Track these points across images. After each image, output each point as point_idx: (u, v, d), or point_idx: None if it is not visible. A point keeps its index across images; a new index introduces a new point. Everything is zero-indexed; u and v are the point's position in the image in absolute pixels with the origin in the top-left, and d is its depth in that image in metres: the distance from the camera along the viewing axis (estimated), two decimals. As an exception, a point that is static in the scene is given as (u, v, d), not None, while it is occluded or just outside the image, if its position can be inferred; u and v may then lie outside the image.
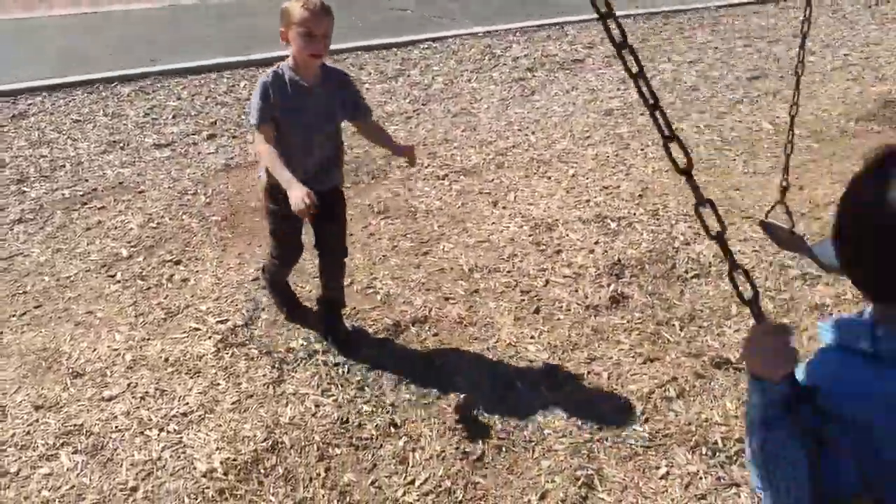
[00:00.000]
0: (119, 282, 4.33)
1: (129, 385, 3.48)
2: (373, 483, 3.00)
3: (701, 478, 2.93)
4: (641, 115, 6.63)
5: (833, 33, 9.17)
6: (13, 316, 4.05)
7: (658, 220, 4.77)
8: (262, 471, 3.02)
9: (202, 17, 10.85)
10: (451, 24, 10.09)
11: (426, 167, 5.66)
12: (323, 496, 2.93)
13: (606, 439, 3.11)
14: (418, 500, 2.91)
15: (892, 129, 6.20)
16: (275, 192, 3.34)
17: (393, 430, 3.22)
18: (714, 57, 8.31)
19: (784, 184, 3.23)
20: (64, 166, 5.91)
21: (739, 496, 2.84)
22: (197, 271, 4.41)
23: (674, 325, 3.82)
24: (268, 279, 3.95)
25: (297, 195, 3.00)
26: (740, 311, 3.91)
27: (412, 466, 3.05)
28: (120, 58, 8.51)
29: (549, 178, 5.43)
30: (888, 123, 6.31)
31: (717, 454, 3.02)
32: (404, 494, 2.94)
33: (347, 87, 3.48)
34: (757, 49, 8.55)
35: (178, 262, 4.50)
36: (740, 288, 1.48)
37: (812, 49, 8.47)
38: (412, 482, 2.99)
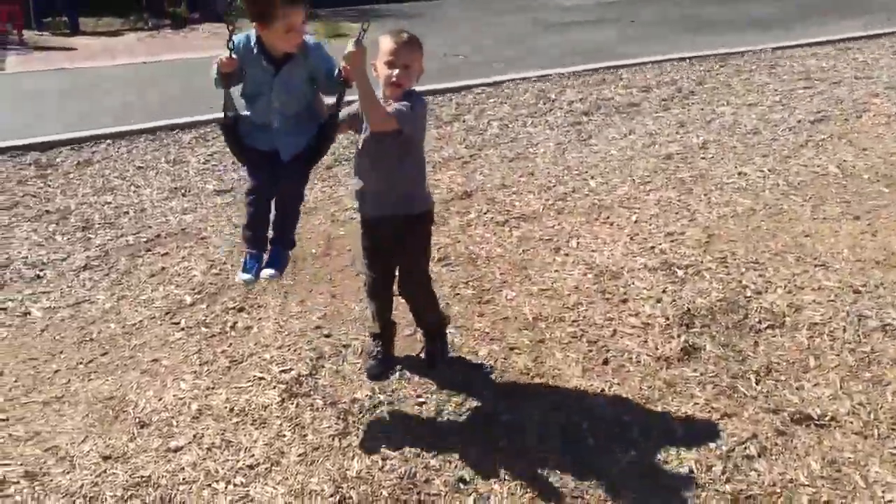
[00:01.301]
0: (183, 329, 4.34)
1: (195, 436, 3.45)
2: (443, 542, 2.91)
3: (790, 544, 2.78)
4: (702, 159, 6.54)
5: (896, 74, 8.99)
6: (80, 363, 4.07)
7: (727, 267, 4.65)
8: (331, 528, 2.95)
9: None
10: (504, 69, 10.13)
11: (485, 213, 5.63)
12: (392, 555, 2.85)
13: (687, 501, 2.99)
14: (490, 561, 2.81)
15: (967, 173, 6.01)
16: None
17: (462, 486, 3.13)
18: (774, 99, 8.19)
19: None
20: (128, 213, 6.01)
21: (832, 565, 2.70)
22: (260, 319, 4.41)
23: (749, 378, 3.68)
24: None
25: None
26: (819, 365, 3.77)
27: (481, 525, 2.96)
28: (179, 106, 8.69)
29: (612, 224, 5.35)
30: (962, 166, 6.12)
31: (805, 518, 2.88)
32: (475, 554, 2.85)
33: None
34: (818, 91, 8.41)
35: (241, 310, 4.50)
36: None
37: (875, 91, 8.31)
38: (483, 542, 2.90)
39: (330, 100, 3.48)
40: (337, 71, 3.26)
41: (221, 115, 3.41)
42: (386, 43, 3.23)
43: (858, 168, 6.17)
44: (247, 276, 3.40)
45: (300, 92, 3.35)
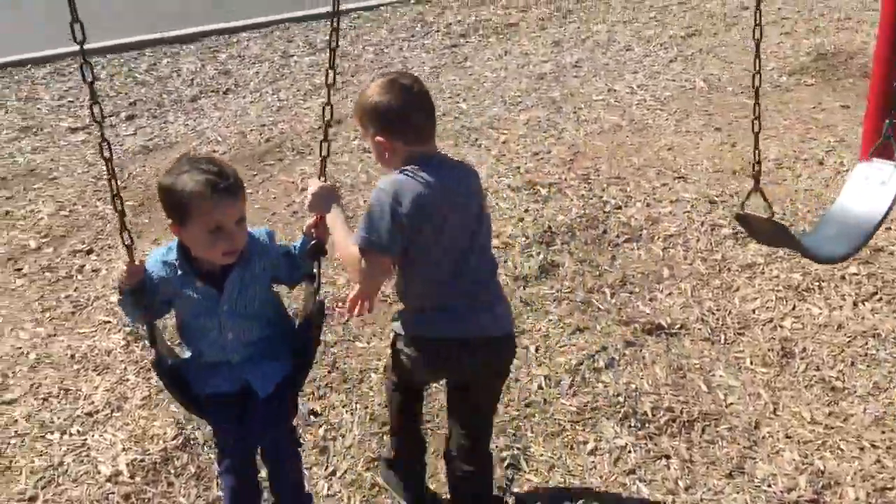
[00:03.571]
0: (26, 275, 4.09)
1: (31, 386, 3.27)
2: (292, 475, 2.85)
3: (630, 451, 2.83)
4: (574, 77, 6.51)
5: (767, -12, 9.10)
6: None
7: (589, 184, 4.65)
8: (172, 470, 2.85)
9: (124, -6, 10.41)
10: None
11: (353, 140, 5.47)
12: (238, 493, 2.78)
13: (534, 416, 3.00)
14: (340, 492, 2.77)
15: (825, 82, 6.15)
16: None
17: (313, 418, 3.08)
18: (649, 16, 8.18)
19: (756, 167, 2.62)
20: (-28, 155, 5.60)
21: (669, 468, 2.76)
22: (109, 260, 4.19)
23: (604, 291, 3.72)
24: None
25: None
26: (672, 275, 3.83)
27: (333, 456, 2.91)
28: (35, 38, 8.10)
29: (480, 145, 5.28)
30: (820, 76, 6.26)
31: (647, 425, 2.93)
32: (326, 486, 2.81)
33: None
34: (692, 6, 8.44)
35: (89, 252, 4.27)
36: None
37: (746, 4, 8.40)
38: (333, 473, 2.85)
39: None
40: (302, 242, 2.28)
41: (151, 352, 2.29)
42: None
43: (724, 81, 6.24)
44: None
45: (261, 307, 2.28)
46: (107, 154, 2.01)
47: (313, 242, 2.25)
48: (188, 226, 2.06)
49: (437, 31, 8.04)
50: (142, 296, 2.13)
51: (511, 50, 7.33)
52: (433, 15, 8.61)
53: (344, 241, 2.25)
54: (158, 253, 2.23)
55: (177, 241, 2.18)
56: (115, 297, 2.27)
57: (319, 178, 2.32)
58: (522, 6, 8.79)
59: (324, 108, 2.29)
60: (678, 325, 3.49)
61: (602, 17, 8.25)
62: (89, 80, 1.99)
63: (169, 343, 2.48)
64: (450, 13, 8.66)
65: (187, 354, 2.34)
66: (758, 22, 2.50)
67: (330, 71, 2.26)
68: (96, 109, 2.01)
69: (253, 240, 2.22)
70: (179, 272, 2.17)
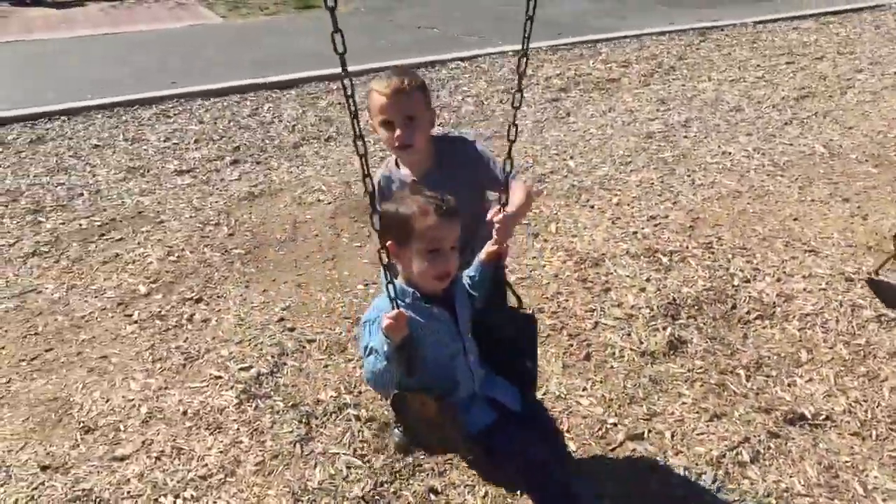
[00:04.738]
0: (136, 322, 4.04)
1: (143, 442, 3.18)
2: (412, 560, 2.68)
3: (787, 561, 2.57)
4: (685, 137, 6.30)
5: (879, 49, 8.78)
6: (23, 360, 3.77)
7: (713, 254, 4.41)
8: (289, 546, 2.70)
9: (226, 38, 10.65)
10: (480, 42, 9.82)
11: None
12: (357, 576, 2.61)
13: (675, 512, 2.77)
14: (464, 582, 2.58)
15: (955, 152, 5.81)
16: None
17: (433, 496, 2.90)
18: (756, 75, 7.95)
19: None
20: (82, 194, 5.67)
21: (834, 585, 2.49)
22: (219, 310, 4.12)
23: (739, 374, 3.46)
24: None
25: None
26: (812, 358, 3.56)
27: (456, 540, 2.73)
28: (141, 80, 8.31)
29: (592, 207, 5.09)
30: (951, 146, 5.92)
31: (803, 532, 2.67)
32: (448, 574, 2.62)
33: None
34: (801, 67, 8.18)
35: (198, 301, 4.21)
36: None
37: (860, 67, 8.10)
38: (456, 559, 2.67)
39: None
40: (480, 268, 2.38)
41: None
42: (375, 98, 2.57)
43: (845, 147, 5.95)
44: None
45: (468, 327, 2.40)
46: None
47: (494, 264, 2.37)
48: (409, 244, 2.18)
49: (537, 85, 7.95)
50: (407, 347, 2.13)
51: (615, 106, 7.17)
52: (531, 68, 8.53)
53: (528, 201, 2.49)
54: (385, 298, 2.17)
55: (400, 278, 2.26)
56: (379, 365, 2.16)
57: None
58: (622, 61, 8.66)
59: (513, 95, 2.26)
60: (823, 416, 3.21)
61: (706, 74, 8.06)
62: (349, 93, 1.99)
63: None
64: (549, 66, 8.59)
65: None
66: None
67: None
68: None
69: None
70: (426, 304, 2.24)
